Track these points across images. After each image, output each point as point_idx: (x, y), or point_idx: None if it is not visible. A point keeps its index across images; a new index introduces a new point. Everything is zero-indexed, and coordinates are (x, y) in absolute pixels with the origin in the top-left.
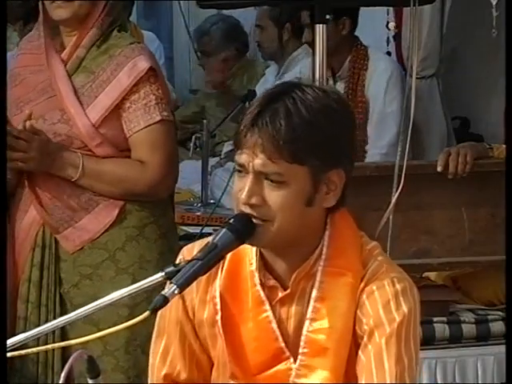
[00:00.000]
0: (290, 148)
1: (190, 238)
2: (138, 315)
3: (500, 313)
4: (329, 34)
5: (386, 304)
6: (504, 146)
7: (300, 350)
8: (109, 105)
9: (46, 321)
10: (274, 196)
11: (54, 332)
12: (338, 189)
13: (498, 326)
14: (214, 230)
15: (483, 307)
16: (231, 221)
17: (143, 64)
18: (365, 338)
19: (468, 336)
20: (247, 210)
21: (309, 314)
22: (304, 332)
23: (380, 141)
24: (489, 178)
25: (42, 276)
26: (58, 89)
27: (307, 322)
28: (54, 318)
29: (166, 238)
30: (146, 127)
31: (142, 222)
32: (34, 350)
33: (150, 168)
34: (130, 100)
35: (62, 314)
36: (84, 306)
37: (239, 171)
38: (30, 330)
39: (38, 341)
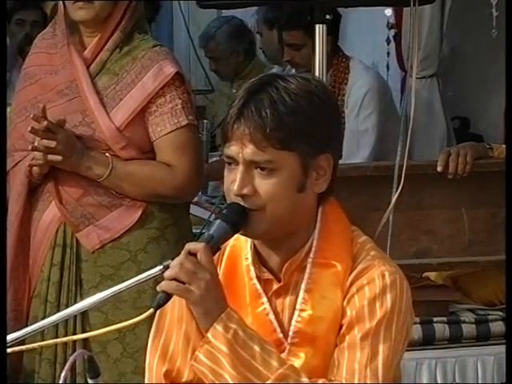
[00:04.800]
0: (277, 135)
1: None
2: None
3: (500, 313)
4: (309, 52)
5: (373, 298)
6: (504, 145)
7: (289, 340)
8: (134, 108)
9: (66, 321)
10: (265, 185)
11: (74, 333)
12: (328, 173)
13: (498, 326)
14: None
15: (483, 307)
16: (224, 211)
17: (169, 69)
18: (343, 327)
19: (468, 336)
20: (240, 201)
21: (298, 305)
22: (293, 322)
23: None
24: (489, 178)
25: (62, 276)
26: (83, 90)
27: (296, 313)
28: (74, 318)
29: (185, 239)
30: (172, 131)
31: (163, 224)
32: (35, 345)
33: (178, 171)
34: (156, 104)
35: (81, 314)
36: (104, 306)
37: (229, 163)
38: (48, 329)
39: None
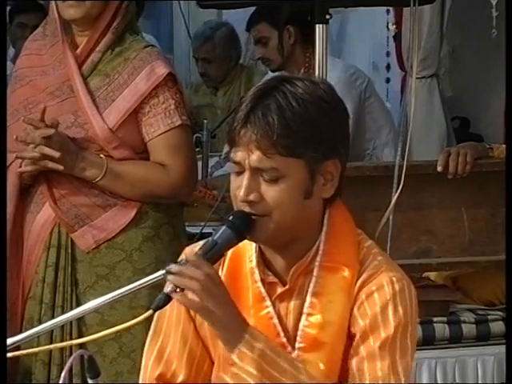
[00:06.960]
0: (284, 142)
1: (191, 237)
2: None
3: (500, 313)
4: (277, 45)
5: (384, 306)
6: (504, 145)
7: (296, 345)
8: (127, 108)
9: None
10: (271, 192)
11: (71, 334)
12: (335, 179)
13: (498, 326)
14: (214, 230)
15: (483, 307)
16: (230, 218)
17: (161, 69)
18: (357, 336)
19: (468, 336)
20: (246, 207)
21: (305, 309)
22: (300, 327)
23: None
24: (489, 178)
25: (56, 276)
26: (77, 90)
27: (304, 317)
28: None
29: (179, 239)
30: (166, 131)
31: (157, 223)
32: (36, 349)
33: (172, 171)
34: (150, 104)
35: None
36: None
37: (236, 169)
38: None
39: (50, 342)
